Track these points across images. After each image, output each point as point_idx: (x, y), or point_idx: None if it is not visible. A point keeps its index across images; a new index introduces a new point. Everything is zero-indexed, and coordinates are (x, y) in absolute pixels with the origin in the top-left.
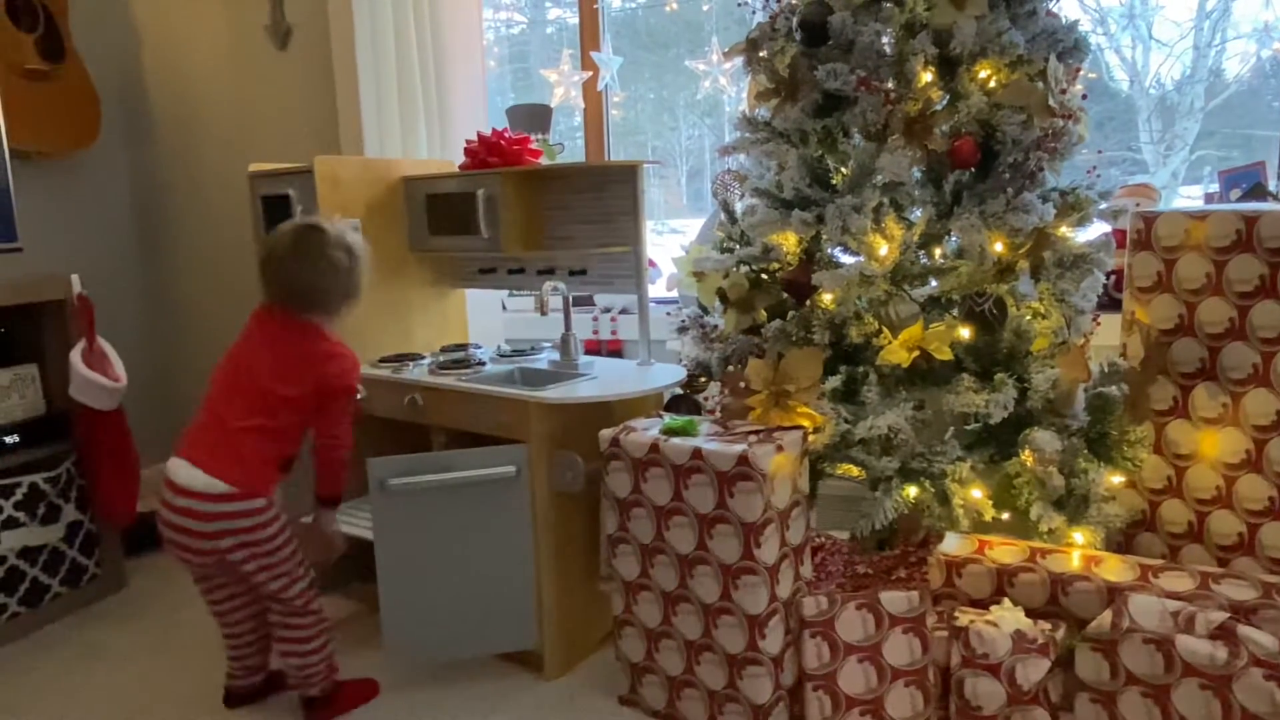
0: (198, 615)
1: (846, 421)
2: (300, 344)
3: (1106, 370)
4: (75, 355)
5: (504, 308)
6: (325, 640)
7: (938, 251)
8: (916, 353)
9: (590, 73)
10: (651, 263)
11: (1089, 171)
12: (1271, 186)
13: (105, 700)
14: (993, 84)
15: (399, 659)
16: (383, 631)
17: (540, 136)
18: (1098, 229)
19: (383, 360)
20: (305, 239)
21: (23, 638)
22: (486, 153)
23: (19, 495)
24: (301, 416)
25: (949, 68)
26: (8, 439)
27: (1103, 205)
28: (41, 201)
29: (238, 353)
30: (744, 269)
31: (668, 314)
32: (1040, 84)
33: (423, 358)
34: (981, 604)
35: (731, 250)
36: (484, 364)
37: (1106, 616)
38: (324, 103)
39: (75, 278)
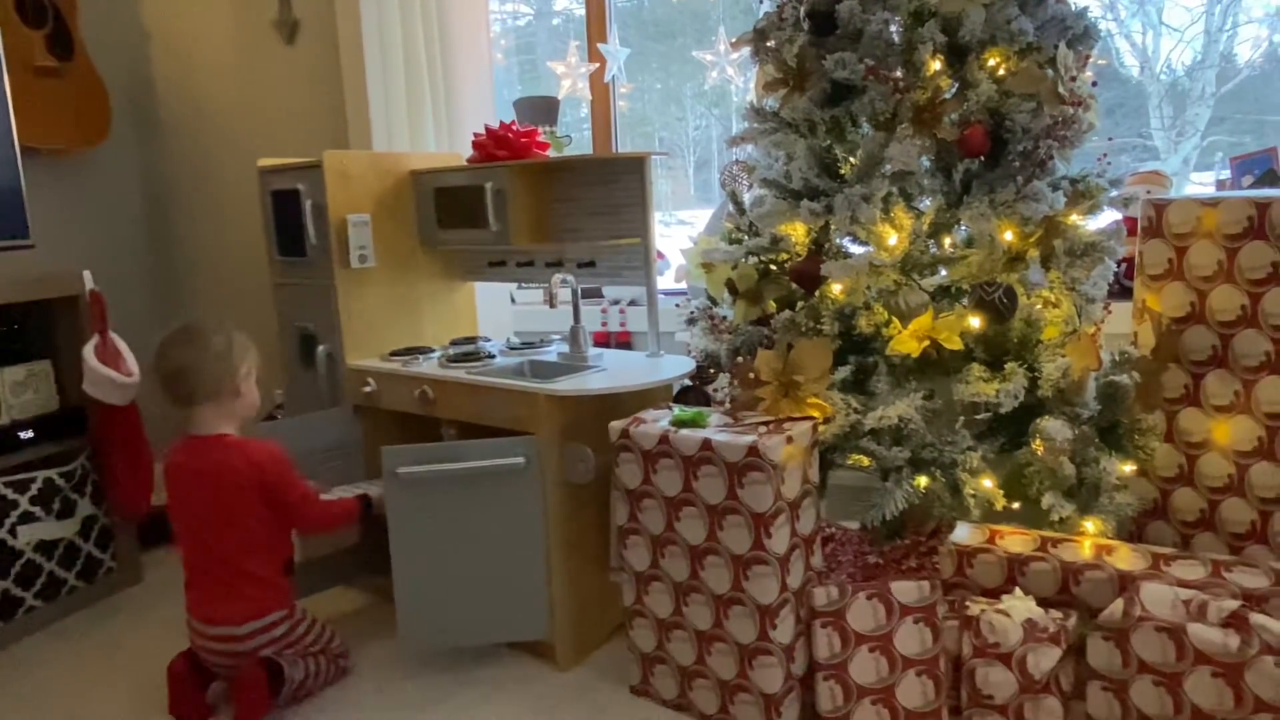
0: None
1: (856, 412)
2: (215, 465)
3: (1117, 359)
4: (88, 351)
5: (513, 300)
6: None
7: (947, 241)
8: (926, 342)
9: (597, 64)
10: (660, 254)
11: (1099, 159)
12: None
13: (122, 693)
14: (1002, 72)
15: (413, 646)
16: (398, 617)
17: (548, 129)
18: (1108, 217)
19: (393, 354)
20: (183, 328)
21: (40, 631)
22: (494, 145)
23: (34, 490)
24: (269, 526)
25: (958, 56)
26: (22, 434)
27: (1113, 193)
28: (53, 198)
29: (180, 513)
30: (753, 260)
31: (676, 305)
32: (1050, 71)
33: (432, 351)
34: (993, 593)
35: (740, 241)
36: (493, 357)
37: (1118, 605)
38: (332, 97)
39: (87, 274)
